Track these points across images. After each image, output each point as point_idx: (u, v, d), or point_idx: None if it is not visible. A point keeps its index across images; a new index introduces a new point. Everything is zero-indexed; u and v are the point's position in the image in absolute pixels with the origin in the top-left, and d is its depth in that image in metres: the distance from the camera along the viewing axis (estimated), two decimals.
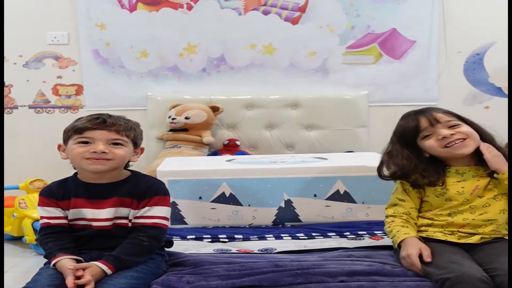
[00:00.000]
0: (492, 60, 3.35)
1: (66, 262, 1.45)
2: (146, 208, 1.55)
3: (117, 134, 1.53)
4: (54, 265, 1.47)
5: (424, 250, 1.55)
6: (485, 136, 1.67)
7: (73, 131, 1.53)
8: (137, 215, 1.55)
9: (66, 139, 1.56)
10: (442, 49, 3.35)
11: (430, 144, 1.65)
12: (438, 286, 1.43)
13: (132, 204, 1.55)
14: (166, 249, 1.70)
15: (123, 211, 1.55)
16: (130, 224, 1.56)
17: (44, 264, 1.54)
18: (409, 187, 1.70)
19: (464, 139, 1.63)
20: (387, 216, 1.73)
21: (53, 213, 1.55)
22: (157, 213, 1.55)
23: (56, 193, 1.56)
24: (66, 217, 1.56)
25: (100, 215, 1.54)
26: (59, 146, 1.59)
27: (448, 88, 3.36)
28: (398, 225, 1.66)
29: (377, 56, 3.36)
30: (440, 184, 1.65)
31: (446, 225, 1.64)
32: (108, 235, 1.55)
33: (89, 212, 1.54)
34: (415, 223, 1.69)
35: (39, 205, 1.57)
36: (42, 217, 1.56)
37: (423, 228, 1.67)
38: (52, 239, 1.53)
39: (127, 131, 1.55)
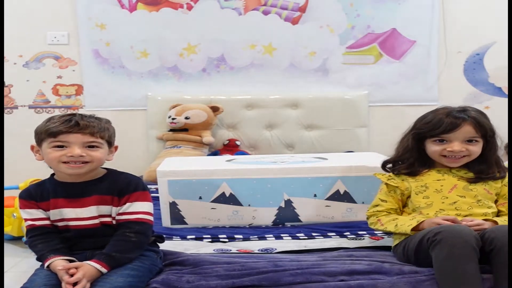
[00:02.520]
0: (492, 60, 3.35)
1: (58, 263, 1.45)
2: (128, 204, 1.54)
3: (92, 137, 1.52)
4: (48, 266, 1.46)
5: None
6: (488, 152, 1.67)
7: (46, 134, 1.50)
8: (120, 211, 1.55)
9: (39, 141, 1.54)
10: (442, 49, 3.35)
11: (436, 149, 1.68)
12: (433, 246, 1.45)
13: (113, 202, 1.55)
14: (159, 245, 1.69)
15: (105, 209, 1.55)
16: (114, 222, 1.56)
17: (40, 265, 1.54)
18: (393, 188, 1.72)
19: (465, 156, 1.66)
20: (368, 217, 1.77)
21: (35, 215, 1.54)
22: (140, 208, 1.55)
23: (34, 195, 1.56)
24: (48, 218, 1.55)
25: (82, 214, 1.54)
26: (32, 147, 1.57)
27: (448, 88, 3.36)
28: (390, 219, 1.68)
29: (377, 56, 3.36)
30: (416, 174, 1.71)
31: None
32: (96, 234, 1.54)
33: (71, 212, 1.54)
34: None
35: (20, 208, 1.56)
36: (26, 220, 1.55)
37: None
38: (40, 241, 1.52)
39: (101, 132, 1.54)
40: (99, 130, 1.53)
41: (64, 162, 1.50)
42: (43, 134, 1.51)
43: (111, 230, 1.55)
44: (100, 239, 1.53)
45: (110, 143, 1.59)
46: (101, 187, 1.55)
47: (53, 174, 1.60)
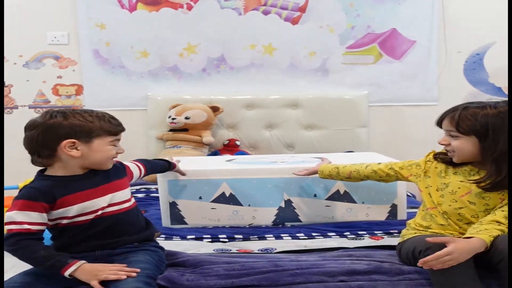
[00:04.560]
0: (492, 60, 3.36)
1: (97, 266, 1.43)
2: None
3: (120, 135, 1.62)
4: (70, 273, 1.41)
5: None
6: (484, 153, 1.57)
7: (105, 132, 1.55)
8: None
9: (89, 136, 1.52)
10: (442, 49, 3.36)
11: None
12: (422, 257, 1.45)
13: (126, 181, 1.68)
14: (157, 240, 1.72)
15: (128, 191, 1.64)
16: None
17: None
18: (419, 172, 1.73)
19: (453, 151, 1.62)
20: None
21: (34, 218, 1.44)
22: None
23: (48, 194, 1.47)
24: (45, 223, 1.48)
25: (115, 198, 1.57)
26: (73, 143, 1.51)
27: (448, 88, 3.36)
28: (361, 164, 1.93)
29: (377, 56, 3.37)
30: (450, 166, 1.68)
31: (442, 229, 1.64)
32: (132, 216, 1.61)
33: (102, 201, 1.53)
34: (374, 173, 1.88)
35: (20, 209, 1.44)
36: (21, 223, 1.42)
37: (421, 229, 1.67)
38: (40, 247, 1.44)
39: None
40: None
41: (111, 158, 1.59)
42: (99, 131, 1.54)
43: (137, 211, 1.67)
44: (134, 222, 1.61)
45: None
46: (111, 174, 1.62)
47: (42, 171, 1.57)
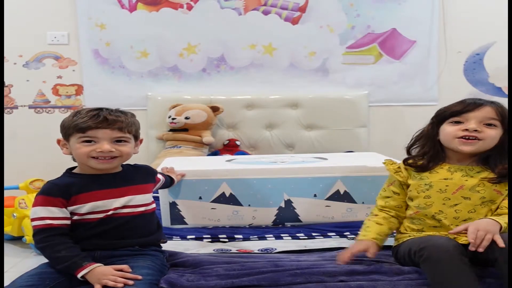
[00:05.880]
0: (492, 60, 3.36)
1: (103, 269, 1.42)
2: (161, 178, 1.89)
3: (120, 132, 1.53)
4: (83, 275, 1.41)
5: (370, 248, 1.58)
6: (506, 146, 1.58)
7: (75, 130, 1.50)
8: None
9: (67, 135, 1.53)
10: (442, 49, 3.36)
11: (450, 129, 1.61)
12: (421, 262, 1.46)
13: (151, 186, 1.68)
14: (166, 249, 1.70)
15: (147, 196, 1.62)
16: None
17: (40, 266, 1.48)
18: (404, 180, 1.69)
19: (479, 139, 1.58)
20: (376, 206, 1.72)
21: (56, 213, 1.46)
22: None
23: (64, 190, 1.48)
24: (68, 218, 1.49)
25: (133, 201, 1.55)
26: (59, 141, 1.56)
27: (448, 88, 3.36)
28: (374, 221, 1.67)
29: (377, 56, 3.37)
30: (426, 170, 1.65)
31: (435, 230, 1.62)
32: (144, 220, 1.59)
33: (116, 202, 1.52)
34: (398, 219, 1.69)
35: (41, 204, 1.47)
36: (43, 218, 1.45)
37: (414, 232, 1.65)
38: (63, 246, 1.44)
39: (129, 127, 1.56)
40: (127, 125, 1.54)
41: (93, 157, 1.50)
42: (71, 129, 1.50)
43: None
44: (144, 226, 1.58)
45: (136, 137, 1.61)
46: (136, 177, 1.61)
47: (70, 169, 1.58)
